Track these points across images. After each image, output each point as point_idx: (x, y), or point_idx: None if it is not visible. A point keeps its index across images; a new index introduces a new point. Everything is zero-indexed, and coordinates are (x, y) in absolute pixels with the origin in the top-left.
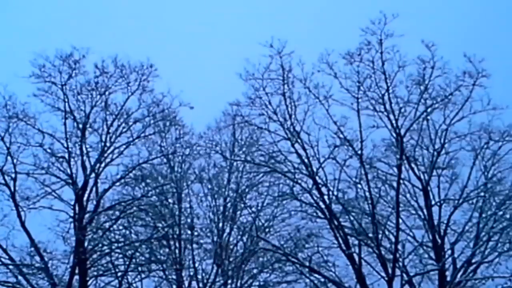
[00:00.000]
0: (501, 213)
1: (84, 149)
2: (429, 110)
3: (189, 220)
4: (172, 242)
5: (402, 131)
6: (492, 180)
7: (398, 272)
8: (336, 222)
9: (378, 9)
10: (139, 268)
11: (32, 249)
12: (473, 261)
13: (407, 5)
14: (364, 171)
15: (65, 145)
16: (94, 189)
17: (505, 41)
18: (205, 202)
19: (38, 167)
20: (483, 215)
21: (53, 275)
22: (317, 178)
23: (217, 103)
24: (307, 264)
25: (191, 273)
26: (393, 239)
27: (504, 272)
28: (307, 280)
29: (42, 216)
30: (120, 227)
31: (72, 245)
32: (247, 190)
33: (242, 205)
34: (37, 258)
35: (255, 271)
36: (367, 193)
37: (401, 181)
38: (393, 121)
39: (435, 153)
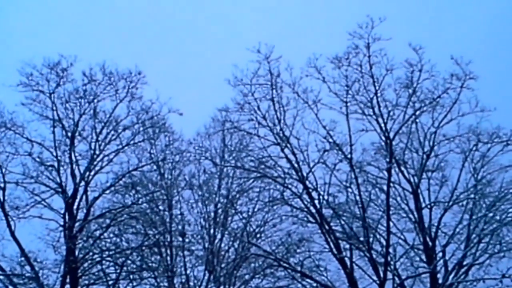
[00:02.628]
0: (491, 214)
1: (73, 157)
2: (417, 113)
3: (180, 227)
4: (163, 249)
5: (391, 135)
6: (482, 182)
7: (389, 275)
8: (327, 227)
9: (365, 13)
10: (131, 276)
11: (23, 258)
12: (464, 263)
13: (394, 9)
14: (354, 175)
15: (54, 153)
16: (84, 197)
17: (492, 43)
18: (196, 208)
19: (27, 176)
20: (474, 217)
21: (44, 284)
22: (307, 182)
23: (206, 109)
24: (299, 269)
25: (183, 280)
26: (384, 243)
27: (495, 274)
28: (299, 285)
29: (32, 225)
30: (111, 235)
31: (63, 254)
32: (237, 196)
33: (233, 211)
34: (28, 267)
35: (247, 277)
36: (357, 197)
37: (391, 185)
38: (382, 125)
39: (425, 156)
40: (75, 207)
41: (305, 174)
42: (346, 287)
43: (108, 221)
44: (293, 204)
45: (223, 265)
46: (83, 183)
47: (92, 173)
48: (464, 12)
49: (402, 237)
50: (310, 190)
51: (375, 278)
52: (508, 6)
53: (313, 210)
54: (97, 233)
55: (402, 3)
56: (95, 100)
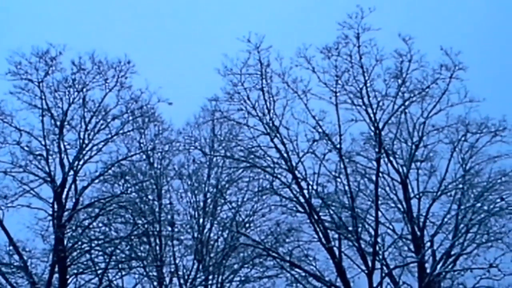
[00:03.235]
0: (479, 204)
1: (62, 146)
2: (406, 103)
3: (169, 217)
4: (152, 239)
5: (381, 125)
6: (470, 172)
7: (378, 265)
8: (316, 216)
9: (355, 3)
10: (120, 265)
11: (11, 248)
12: (452, 252)
13: None
14: (343, 165)
15: (43, 142)
16: (73, 186)
17: (481, 34)
18: (185, 198)
19: (16, 165)
20: (462, 207)
21: (33, 273)
22: (296, 172)
23: (195, 99)
24: (288, 258)
25: (172, 270)
26: (372, 232)
27: (482, 264)
28: (288, 275)
29: (20, 214)
30: (100, 225)
31: (51, 243)
32: (227, 185)
33: (222, 201)
34: (16, 257)
35: (236, 266)
36: (346, 187)
37: (380, 175)
38: (371, 115)
39: (413, 146)
40: (64, 196)
41: (294, 164)
42: (334, 277)
43: (97, 210)
44: (282, 194)
45: (212, 255)
46: (72, 172)
47: (81, 162)
48: (454, 2)
49: (390, 227)
50: (299, 180)
51: (363, 267)
52: None
53: (302, 200)
54: (86, 222)
55: None
56: (84, 89)
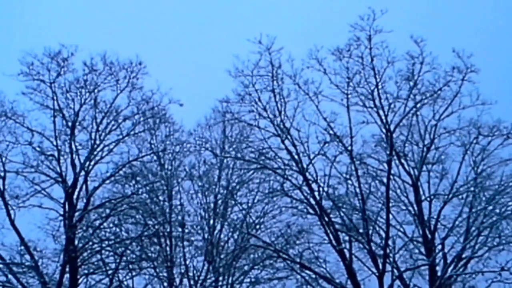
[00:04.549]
0: (491, 207)
1: (73, 147)
2: (418, 105)
3: (179, 218)
4: (163, 240)
5: (392, 127)
6: (482, 175)
7: (388, 267)
8: (326, 218)
9: (366, 5)
10: (130, 266)
11: (22, 247)
12: (463, 256)
13: (395, 1)
14: (354, 167)
15: (55, 143)
16: (84, 187)
17: (493, 36)
18: (196, 199)
19: (28, 165)
20: (473, 210)
21: (44, 273)
22: (307, 174)
23: (206, 100)
24: (298, 260)
25: (182, 271)
26: (383, 235)
27: (494, 267)
28: (298, 277)
29: (31, 214)
30: (111, 225)
31: (62, 243)
32: (237, 187)
33: (233, 202)
34: (27, 256)
35: (246, 267)
36: (357, 189)
37: (391, 177)
38: (383, 117)
39: (425, 148)
40: (75, 196)
41: (305, 166)
42: (345, 279)
43: (107, 211)
44: (293, 196)
45: (222, 256)
46: (83, 172)
47: (92, 163)
48: (466, 4)
49: (401, 229)
50: (310, 182)
51: (374, 270)
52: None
53: (313, 202)
54: (97, 223)
55: None
56: (96, 90)
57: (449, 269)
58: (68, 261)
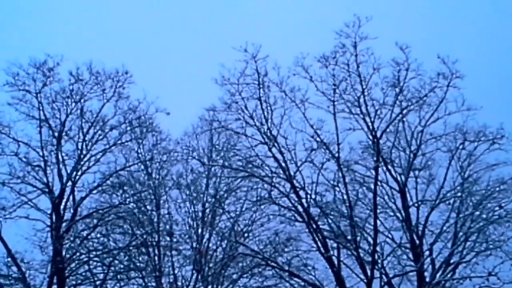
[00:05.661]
0: (478, 213)
1: (60, 157)
2: (404, 112)
3: (167, 227)
4: (151, 249)
5: (378, 133)
6: (468, 181)
7: (377, 274)
8: (314, 226)
9: (352, 12)
10: (118, 276)
11: (9, 259)
12: (451, 261)
13: (380, 8)
14: (342, 174)
15: (41, 153)
16: (71, 197)
17: (478, 42)
18: (184, 208)
19: (14, 176)
20: (460, 216)
21: (31, 285)
22: (294, 181)
23: (193, 109)
24: (287, 268)
25: (171, 280)
26: (371, 241)
27: (481, 272)
28: (287, 284)
29: (18, 225)
30: (98, 235)
31: (50, 254)
32: (225, 195)
33: (221, 211)
34: (14, 268)
35: (234, 276)
36: (345, 196)
37: (378, 183)
38: (369, 124)
39: (412, 154)
40: (62, 207)
41: (292, 173)
42: (333, 286)
43: (95, 221)
44: (280, 203)
45: (211, 265)
46: (70, 183)
47: (79, 173)
48: (451, 11)
49: (389, 235)
50: (298, 189)
51: (362, 276)
52: (494, 5)
53: (301, 209)
54: (84, 233)
55: (388, 2)
56: (82, 100)
57: (437, 275)
58: (56, 272)
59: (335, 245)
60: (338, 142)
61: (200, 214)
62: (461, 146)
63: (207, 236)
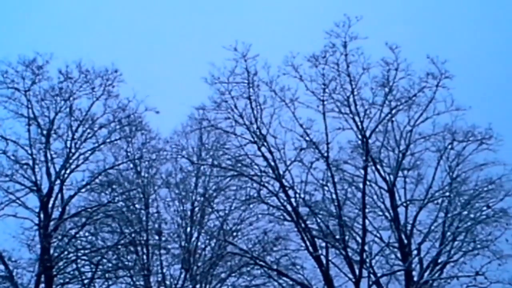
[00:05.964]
0: (465, 212)
1: (48, 155)
2: (393, 111)
3: (156, 226)
4: (139, 248)
5: (368, 133)
6: (457, 180)
7: (365, 273)
8: (303, 225)
9: (342, 12)
10: (106, 275)
11: None
12: (439, 260)
13: (370, 8)
14: (331, 173)
15: (29, 151)
16: (59, 196)
17: (468, 43)
18: (173, 207)
19: (2, 174)
20: (448, 215)
21: (18, 283)
22: (283, 181)
23: (183, 108)
24: (275, 267)
25: (159, 279)
26: (360, 241)
27: (469, 271)
28: (276, 283)
29: (6, 224)
30: (87, 234)
31: (38, 253)
32: (214, 194)
33: (210, 210)
34: (2, 266)
35: (223, 275)
36: (333, 195)
37: (367, 183)
38: (359, 123)
39: (400, 154)
40: (50, 205)
41: (281, 173)
42: (322, 285)
43: (83, 219)
44: (269, 203)
45: (199, 264)
46: (58, 181)
47: (68, 171)
48: (440, 11)
49: (377, 235)
50: (287, 189)
51: (350, 276)
52: (483, 6)
53: (290, 208)
54: (73, 231)
55: (378, 2)
56: (71, 98)
57: (425, 274)
58: (44, 271)
59: (323, 244)
60: (327, 141)
61: (189, 213)
62: (449, 146)
63: (195, 235)
